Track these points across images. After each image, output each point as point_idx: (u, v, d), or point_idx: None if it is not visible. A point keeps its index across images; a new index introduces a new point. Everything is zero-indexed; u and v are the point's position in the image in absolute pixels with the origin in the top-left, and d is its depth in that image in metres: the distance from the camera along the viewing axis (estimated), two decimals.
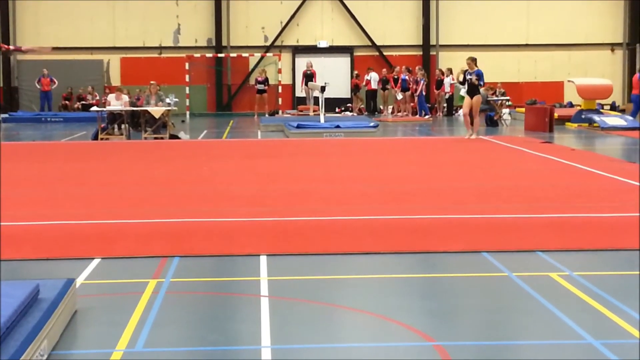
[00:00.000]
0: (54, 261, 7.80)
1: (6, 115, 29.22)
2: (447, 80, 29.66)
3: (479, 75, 19.35)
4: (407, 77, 28.94)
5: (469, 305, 6.43)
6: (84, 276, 7.23)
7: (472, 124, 19.78)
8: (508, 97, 27.93)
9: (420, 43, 33.21)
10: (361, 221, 9.32)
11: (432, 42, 33.23)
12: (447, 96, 30.11)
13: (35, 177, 13.59)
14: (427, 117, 28.67)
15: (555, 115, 23.88)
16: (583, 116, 24.78)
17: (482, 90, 26.15)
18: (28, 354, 4.78)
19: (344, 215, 9.63)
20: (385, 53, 33.04)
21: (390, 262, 7.74)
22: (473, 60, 19.60)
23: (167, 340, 5.63)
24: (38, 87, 31.03)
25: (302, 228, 9.09)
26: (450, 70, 29.76)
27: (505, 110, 26.38)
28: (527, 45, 33.47)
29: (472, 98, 19.58)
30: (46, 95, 30.97)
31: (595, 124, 23.86)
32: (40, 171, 14.42)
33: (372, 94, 31.22)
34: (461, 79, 19.85)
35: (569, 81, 28.70)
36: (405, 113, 29.24)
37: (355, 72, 31.63)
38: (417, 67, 29.83)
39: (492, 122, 25.12)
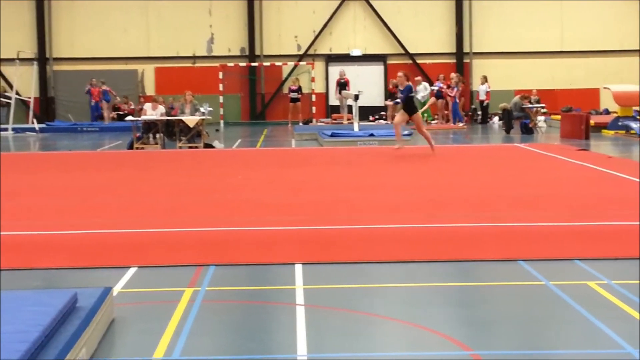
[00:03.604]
0: (91, 270, 7.86)
1: (43, 125, 29.52)
2: (483, 88, 29.50)
3: (409, 90, 17.92)
4: (441, 85, 28.86)
5: (506, 314, 6.38)
6: (121, 285, 7.28)
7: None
8: (543, 105, 27.70)
9: (454, 51, 33.09)
10: (396, 229, 9.30)
11: (466, 49, 33.11)
12: (484, 104, 29.92)
13: (72, 186, 13.71)
14: (461, 124, 28.56)
15: (592, 122, 23.68)
16: (620, 123, 24.55)
17: (516, 97, 26.09)
18: None
19: (378, 223, 9.61)
20: (418, 61, 32.94)
21: (426, 270, 7.71)
22: (405, 76, 18.19)
23: (204, 349, 5.65)
24: (88, 96, 30.32)
25: (337, 236, 9.08)
26: (485, 78, 29.60)
27: (541, 118, 26.17)
28: (561, 52, 33.23)
29: (410, 115, 17.91)
30: (97, 106, 30.30)
31: (632, 131, 23.61)
32: (76, 180, 14.55)
33: None
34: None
35: (605, 88, 28.44)
36: (439, 121, 29.16)
37: (394, 80, 31.48)
38: (452, 74, 29.73)
39: (527, 130, 24.97)
